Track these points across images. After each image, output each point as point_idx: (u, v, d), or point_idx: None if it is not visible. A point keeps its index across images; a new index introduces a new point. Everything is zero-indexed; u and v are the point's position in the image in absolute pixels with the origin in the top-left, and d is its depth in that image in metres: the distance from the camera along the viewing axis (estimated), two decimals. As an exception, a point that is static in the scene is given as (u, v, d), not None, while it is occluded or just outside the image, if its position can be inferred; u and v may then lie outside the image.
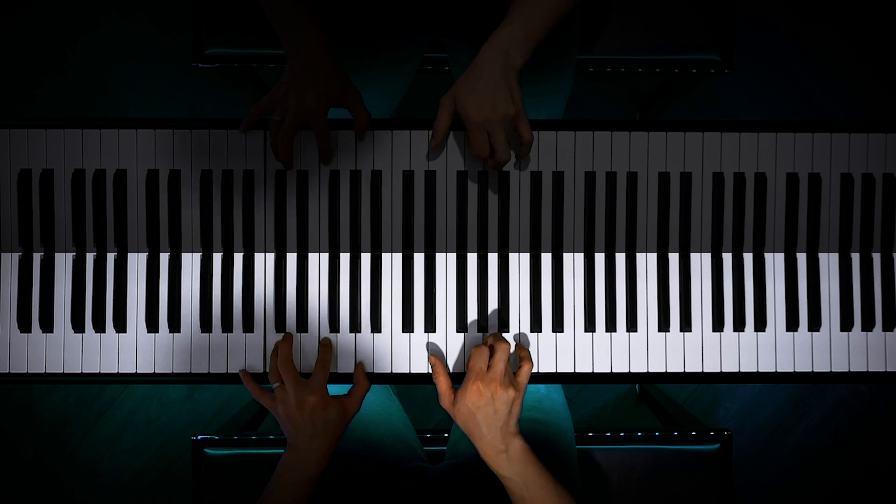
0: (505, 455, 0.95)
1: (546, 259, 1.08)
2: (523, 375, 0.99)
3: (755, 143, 1.09)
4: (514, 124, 1.00)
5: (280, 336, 1.07)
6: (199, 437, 1.27)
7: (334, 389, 1.04)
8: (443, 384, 1.00)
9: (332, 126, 1.07)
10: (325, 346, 1.05)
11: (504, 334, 1.08)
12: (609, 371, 1.08)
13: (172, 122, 1.08)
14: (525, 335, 1.08)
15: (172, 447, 1.84)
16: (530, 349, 1.07)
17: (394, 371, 1.07)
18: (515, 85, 0.98)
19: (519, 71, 0.98)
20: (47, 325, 1.06)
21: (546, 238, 1.08)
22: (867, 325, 1.08)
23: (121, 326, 1.06)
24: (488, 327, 1.07)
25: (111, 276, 1.07)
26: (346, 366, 1.07)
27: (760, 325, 1.08)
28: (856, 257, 1.09)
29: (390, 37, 1.19)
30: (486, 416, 0.95)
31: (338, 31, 1.16)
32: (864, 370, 1.09)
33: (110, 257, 1.07)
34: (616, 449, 1.28)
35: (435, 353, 1.07)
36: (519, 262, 1.08)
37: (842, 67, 1.88)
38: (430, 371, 1.03)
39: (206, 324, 1.07)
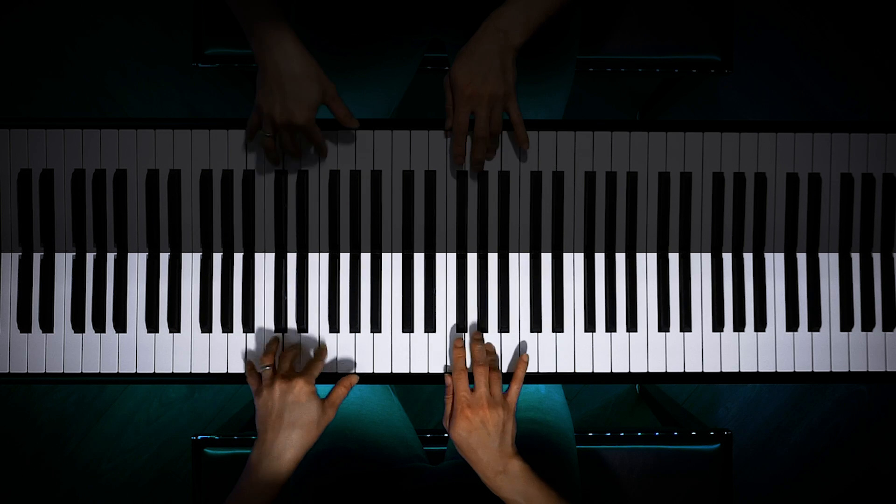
0: (504, 475, 0.95)
1: (546, 259, 1.08)
2: (512, 396, 1.00)
3: (755, 143, 1.09)
4: (504, 105, 1.00)
5: (278, 336, 1.07)
6: (199, 437, 1.27)
7: (324, 391, 1.05)
8: (448, 406, 1.00)
9: (330, 126, 1.07)
10: (322, 350, 1.07)
11: (504, 335, 1.08)
12: (609, 371, 1.08)
13: (172, 122, 1.08)
14: (525, 341, 1.08)
15: (172, 447, 1.84)
16: (530, 349, 1.07)
17: (394, 371, 1.07)
18: (511, 65, 0.98)
19: (517, 52, 0.98)
20: (47, 325, 1.06)
21: (546, 238, 1.08)
22: (867, 326, 1.08)
23: (121, 326, 1.06)
24: (488, 327, 1.07)
25: (111, 276, 1.07)
26: (345, 366, 1.07)
27: (760, 325, 1.08)
28: (856, 257, 1.09)
29: (390, 37, 1.19)
30: (480, 439, 0.96)
31: (338, 32, 1.16)
32: (864, 370, 1.09)
33: (110, 257, 1.07)
34: (616, 449, 1.28)
35: (448, 370, 1.07)
36: (519, 263, 1.08)
37: (842, 67, 1.87)
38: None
39: (206, 324, 1.07)
